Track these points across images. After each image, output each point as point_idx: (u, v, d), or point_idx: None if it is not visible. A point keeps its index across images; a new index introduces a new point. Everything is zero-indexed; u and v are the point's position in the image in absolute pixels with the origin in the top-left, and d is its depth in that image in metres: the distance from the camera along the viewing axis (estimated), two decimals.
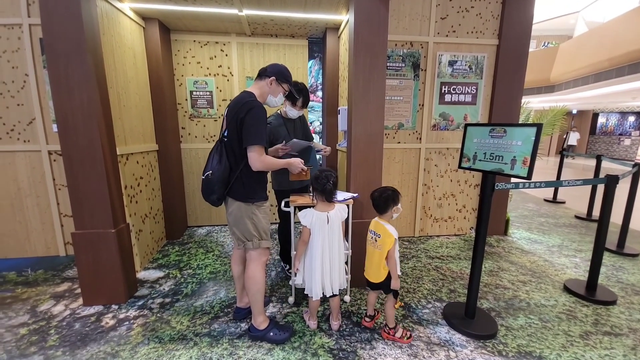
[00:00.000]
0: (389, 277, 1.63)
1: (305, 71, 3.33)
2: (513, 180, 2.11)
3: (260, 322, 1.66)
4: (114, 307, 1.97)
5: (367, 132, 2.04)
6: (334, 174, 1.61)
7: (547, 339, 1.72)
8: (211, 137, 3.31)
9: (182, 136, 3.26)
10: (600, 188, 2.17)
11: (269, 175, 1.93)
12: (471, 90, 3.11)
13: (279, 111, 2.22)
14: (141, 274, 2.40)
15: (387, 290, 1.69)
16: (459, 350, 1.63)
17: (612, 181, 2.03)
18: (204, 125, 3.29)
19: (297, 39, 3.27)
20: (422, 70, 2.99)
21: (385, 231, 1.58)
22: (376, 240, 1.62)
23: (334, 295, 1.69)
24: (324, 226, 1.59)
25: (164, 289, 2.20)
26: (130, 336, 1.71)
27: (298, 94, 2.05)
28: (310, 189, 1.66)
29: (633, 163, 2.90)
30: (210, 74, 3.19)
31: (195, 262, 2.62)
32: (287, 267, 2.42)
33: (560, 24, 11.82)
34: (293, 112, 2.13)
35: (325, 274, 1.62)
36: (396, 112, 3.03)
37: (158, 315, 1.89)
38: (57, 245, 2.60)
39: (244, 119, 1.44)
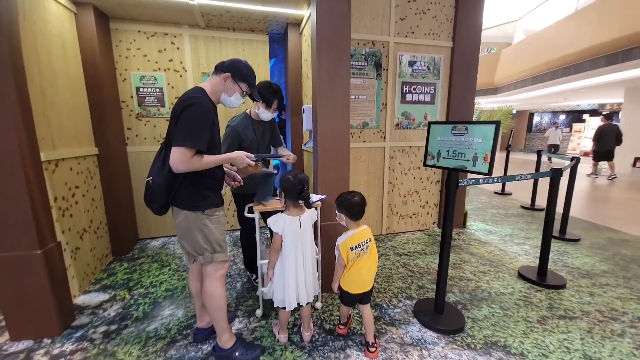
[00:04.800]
0: None
1: (266, 68, 3.18)
2: (471, 175, 2.19)
3: (225, 340, 1.51)
4: (47, 341, 1.66)
5: (334, 131, 1.97)
6: (307, 177, 1.51)
7: (509, 327, 1.80)
8: (163, 138, 2.99)
9: (127, 138, 2.90)
10: (542, 181, 2.36)
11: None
12: (430, 90, 3.21)
13: (247, 111, 2.04)
14: (80, 299, 2.07)
15: (367, 297, 1.58)
16: (431, 349, 1.63)
17: (557, 174, 2.21)
18: (154, 126, 2.96)
19: (257, 33, 3.09)
20: (384, 69, 3.02)
21: (368, 232, 1.55)
22: (368, 247, 1.52)
23: (306, 304, 1.59)
24: (296, 231, 1.48)
25: (108, 314, 1.91)
26: None
27: (272, 96, 1.91)
28: (279, 192, 1.54)
29: (571, 157, 3.23)
30: (159, 69, 2.89)
31: (148, 280, 2.33)
32: (254, 276, 2.26)
33: (501, 31, 13.01)
34: (266, 115, 1.96)
35: (299, 281, 1.52)
36: (360, 111, 3.01)
37: (101, 347, 1.62)
38: None
39: (179, 117, 1.27)
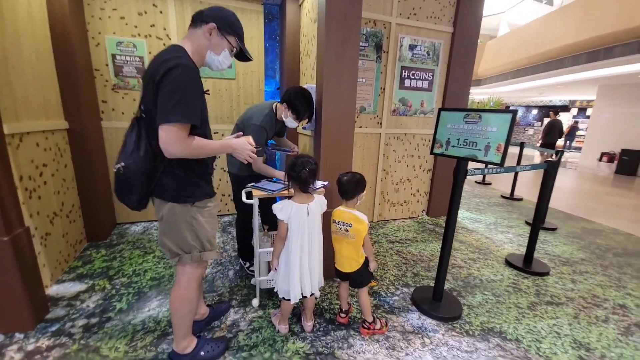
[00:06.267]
0: (362, 265, 1.54)
1: (260, 42, 2.93)
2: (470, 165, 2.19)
3: (186, 345, 1.34)
4: (19, 335, 1.48)
5: (339, 112, 1.85)
6: (313, 160, 1.39)
7: (502, 313, 1.85)
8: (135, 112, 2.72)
9: (102, 112, 2.60)
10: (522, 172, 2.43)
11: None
12: (428, 76, 3.14)
13: (273, 107, 1.88)
14: (53, 290, 1.87)
15: (356, 282, 1.59)
16: (432, 336, 1.64)
17: (551, 167, 2.26)
18: (134, 99, 2.67)
19: (250, 1, 2.82)
20: (384, 52, 2.90)
21: (356, 218, 1.47)
22: (347, 231, 1.48)
23: (310, 295, 1.52)
24: (303, 220, 1.38)
25: (87, 306, 1.74)
26: None
27: (305, 108, 1.79)
28: (286, 177, 1.42)
29: (555, 150, 3.34)
30: (139, 35, 2.57)
31: (130, 268, 2.16)
32: (247, 264, 2.16)
33: (485, 23, 13.19)
34: (293, 124, 1.86)
35: (304, 273, 1.43)
36: (359, 95, 2.89)
37: (82, 342, 1.47)
38: None
39: (161, 85, 1.00)
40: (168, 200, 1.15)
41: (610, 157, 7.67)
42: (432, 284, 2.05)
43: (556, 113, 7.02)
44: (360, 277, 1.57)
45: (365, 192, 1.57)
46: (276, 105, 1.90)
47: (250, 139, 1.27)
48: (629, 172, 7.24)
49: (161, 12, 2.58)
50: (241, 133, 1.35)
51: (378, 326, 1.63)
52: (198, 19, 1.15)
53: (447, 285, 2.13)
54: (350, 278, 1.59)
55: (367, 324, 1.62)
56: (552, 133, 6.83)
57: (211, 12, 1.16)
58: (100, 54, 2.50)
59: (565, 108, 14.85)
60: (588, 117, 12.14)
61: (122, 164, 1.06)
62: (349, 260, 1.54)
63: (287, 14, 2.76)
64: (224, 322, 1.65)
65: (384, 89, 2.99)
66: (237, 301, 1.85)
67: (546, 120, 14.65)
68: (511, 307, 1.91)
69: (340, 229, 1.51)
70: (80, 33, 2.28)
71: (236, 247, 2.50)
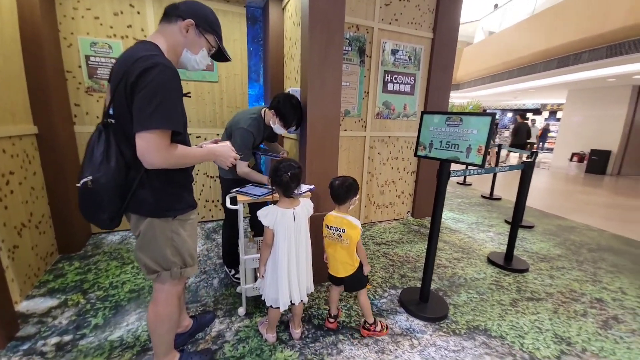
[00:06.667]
0: (357, 269, 1.54)
1: (243, 44, 2.89)
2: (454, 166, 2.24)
3: None
4: None
5: (324, 116, 1.85)
6: (296, 164, 1.37)
7: (487, 311, 1.89)
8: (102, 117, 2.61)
9: (75, 116, 2.47)
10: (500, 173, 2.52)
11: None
12: (410, 80, 3.21)
13: (262, 112, 1.87)
14: (23, 306, 1.74)
15: (351, 286, 1.59)
16: (420, 337, 1.65)
17: (528, 167, 2.35)
18: None
19: (232, 4, 2.78)
20: (367, 56, 2.93)
21: (349, 224, 1.47)
22: (340, 236, 1.48)
23: (299, 302, 1.49)
24: (289, 225, 1.36)
25: (60, 322, 1.63)
26: None
27: (293, 116, 1.77)
28: (270, 182, 1.40)
29: (530, 151, 3.49)
30: (115, 35, 2.47)
31: (106, 280, 2.04)
32: (233, 272, 2.10)
33: (463, 30, 13.72)
34: (280, 131, 1.85)
35: (292, 279, 1.40)
36: (343, 98, 2.90)
37: None
38: None
39: (136, 87, 0.90)
40: (146, 216, 1.05)
41: (581, 157, 8.11)
42: (418, 284, 2.07)
43: (523, 116, 7.56)
44: (355, 281, 1.56)
45: (357, 196, 1.56)
46: (265, 111, 1.88)
47: (228, 144, 1.23)
48: (598, 171, 7.68)
49: (139, 13, 2.50)
50: (219, 138, 1.33)
51: (379, 328, 1.64)
52: (172, 13, 1.05)
53: (433, 286, 2.15)
54: (345, 282, 1.57)
55: (368, 324, 1.62)
56: (519, 135, 7.34)
57: (188, 7, 1.07)
58: (72, 56, 2.38)
59: (538, 111, 15.61)
60: (559, 119, 12.85)
61: (90, 177, 0.93)
62: (343, 265, 1.53)
63: (270, 17, 2.75)
64: (209, 334, 1.59)
65: (367, 92, 3.03)
66: (223, 311, 1.79)
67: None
68: (494, 305, 1.96)
69: (334, 234, 1.50)
70: (51, 34, 2.16)
71: (221, 254, 2.43)
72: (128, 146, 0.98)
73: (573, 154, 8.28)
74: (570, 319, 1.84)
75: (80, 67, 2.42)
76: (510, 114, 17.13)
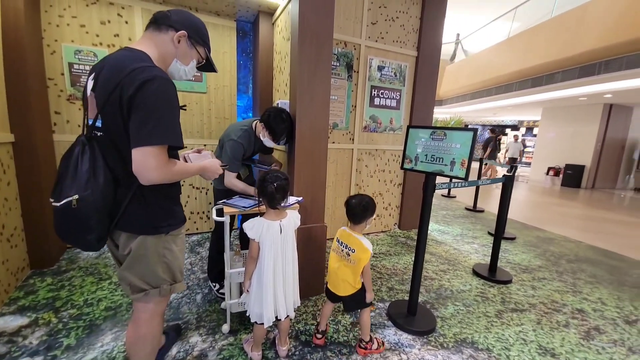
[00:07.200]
0: (358, 290, 1.51)
1: (233, 57, 2.91)
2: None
3: None
4: None
5: (313, 128, 1.87)
6: (283, 176, 1.37)
7: (473, 323, 1.90)
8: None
9: (55, 124, 2.39)
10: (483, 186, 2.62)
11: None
12: (396, 96, 3.31)
13: (253, 125, 1.88)
14: None
15: (350, 306, 1.57)
16: (409, 352, 1.63)
17: (509, 180, 2.44)
18: None
19: (223, 18, 2.81)
20: (355, 72, 3.02)
21: (360, 246, 1.44)
22: (349, 255, 1.46)
23: (285, 317, 1.45)
24: (276, 238, 1.34)
25: (30, 342, 1.51)
26: None
27: (283, 131, 1.77)
28: (256, 193, 1.38)
29: (510, 166, 3.63)
30: (101, 44, 2.43)
31: (80, 298, 1.92)
32: (217, 287, 2.03)
33: (445, 49, 14.41)
34: (270, 144, 1.85)
35: (278, 294, 1.37)
36: (331, 112, 2.95)
37: None
38: None
39: (134, 98, 0.86)
40: (138, 233, 1.01)
41: (556, 171, 8.51)
42: (406, 297, 2.07)
43: (493, 132, 8.17)
44: (355, 302, 1.54)
45: (374, 216, 1.54)
46: (256, 123, 1.88)
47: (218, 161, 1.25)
48: (573, 184, 8.06)
49: (127, 23, 2.48)
50: (202, 147, 1.34)
51: (375, 346, 1.60)
52: (163, 23, 1.03)
53: (420, 298, 2.16)
54: (345, 301, 1.54)
55: (364, 343, 1.58)
56: (489, 148, 7.99)
57: (180, 17, 1.05)
58: (55, 63, 2.32)
59: (515, 127, 16.38)
60: (535, 135, 13.52)
61: (76, 195, 0.87)
62: (344, 284, 1.49)
63: (260, 31, 2.79)
64: (191, 353, 1.52)
65: (355, 106, 3.09)
66: (206, 328, 1.71)
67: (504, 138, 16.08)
68: (481, 317, 1.98)
69: (342, 250, 1.48)
70: (34, 40, 2.11)
71: (205, 268, 2.36)
72: (118, 161, 0.95)
73: (549, 168, 8.68)
74: (553, 330, 1.87)
75: (62, 74, 2.36)
76: (496, 129, 17.87)
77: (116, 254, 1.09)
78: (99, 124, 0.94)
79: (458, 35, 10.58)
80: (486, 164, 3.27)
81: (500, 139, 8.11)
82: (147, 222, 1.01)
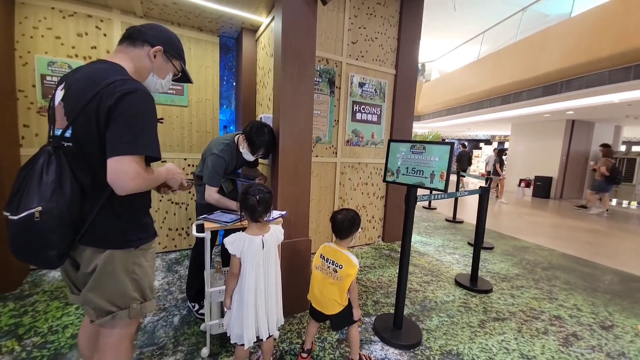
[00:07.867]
0: (345, 307, 1.48)
1: (215, 71, 2.92)
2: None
3: None
4: None
5: (296, 143, 1.88)
6: (266, 189, 1.36)
7: (458, 334, 1.92)
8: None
9: (23, 137, 2.26)
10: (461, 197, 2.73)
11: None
12: (377, 111, 3.42)
13: (235, 139, 1.87)
14: None
15: (338, 324, 1.53)
16: None
17: (485, 192, 2.54)
18: None
19: (206, 33, 2.83)
20: (337, 87, 3.10)
21: (348, 261, 1.43)
22: (336, 271, 1.43)
23: (268, 337, 1.40)
24: (258, 253, 1.30)
25: None
26: None
27: (261, 144, 1.77)
28: (239, 207, 1.35)
29: (486, 177, 3.80)
30: (76, 56, 2.36)
31: (45, 324, 1.76)
32: (196, 307, 1.93)
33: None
34: (248, 157, 1.84)
35: (260, 312, 1.32)
36: (315, 126, 3.00)
37: None
38: None
39: (114, 109, 0.86)
40: (105, 247, 0.95)
41: (527, 183, 8.99)
42: (392, 310, 2.06)
43: (464, 146, 8.70)
44: (344, 318, 1.50)
45: (360, 230, 1.53)
46: (239, 137, 1.87)
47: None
48: (543, 195, 8.52)
49: (105, 35, 2.44)
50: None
51: None
52: (139, 38, 1.04)
53: (405, 311, 2.15)
54: (332, 320, 1.50)
55: None
56: (462, 161, 8.46)
57: (155, 32, 1.07)
58: (26, 74, 2.23)
59: (488, 142, 17.30)
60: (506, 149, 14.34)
61: (39, 207, 0.82)
62: (331, 303, 1.46)
63: (243, 47, 2.83)
64: None
65: (337, 121, 3.16)
66: (184, 353, 1.61)
67: (475, 152, 16.90)
68: (464, 327, 2.00)
69: (329, 267, 1.45)
70: (6, 51, 2.02)
71: (184, 287, 2.25)
72: (87, 172, 0.92)
73: (521, 180, 9.16)
74: (533, 338, 1.92)
75: (34, 86, 2.25)
76: (466, 143, 18.73)
77: (72, 276, 1.01)
78: (68, 134, 0.92)
79: (423, 65, 11.32)
80: (491, 179, 3.36)
81: (503, 154, 8.26)
82: (115, 236, 0.96)
